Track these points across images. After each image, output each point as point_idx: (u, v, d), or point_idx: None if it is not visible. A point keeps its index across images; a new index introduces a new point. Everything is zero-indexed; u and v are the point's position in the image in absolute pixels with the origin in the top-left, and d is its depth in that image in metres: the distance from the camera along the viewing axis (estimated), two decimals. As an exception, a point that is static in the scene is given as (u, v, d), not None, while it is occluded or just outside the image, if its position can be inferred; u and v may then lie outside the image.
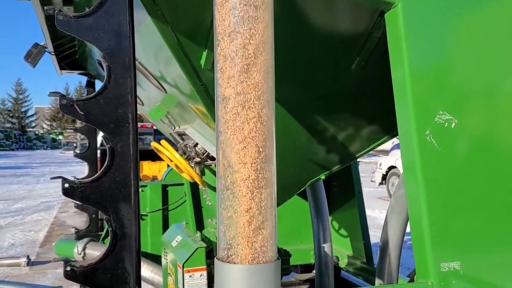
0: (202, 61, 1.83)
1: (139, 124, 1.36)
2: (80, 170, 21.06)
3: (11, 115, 73.68)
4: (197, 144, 2.91)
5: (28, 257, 7.70)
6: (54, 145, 61.38)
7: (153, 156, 8.99)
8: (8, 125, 70.60)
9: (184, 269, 2.67)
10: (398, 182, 2.27)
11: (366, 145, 2.57)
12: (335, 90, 2.23)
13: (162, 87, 2.40)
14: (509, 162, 1.66)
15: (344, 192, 4.00)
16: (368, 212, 4.11)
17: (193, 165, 3.06)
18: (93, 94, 1.29)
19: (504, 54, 1.68)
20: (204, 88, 1.91)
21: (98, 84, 5.51)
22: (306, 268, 4.32)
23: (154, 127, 12.16)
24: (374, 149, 2.66)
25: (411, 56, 1.55)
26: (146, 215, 4.72)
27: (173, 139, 3.28)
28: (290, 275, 4.19)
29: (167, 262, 3.13)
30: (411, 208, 1.62)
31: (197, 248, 2.72)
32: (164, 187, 4.87)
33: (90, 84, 5.56)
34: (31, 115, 77.27)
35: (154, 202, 4.80)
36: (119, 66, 1.29)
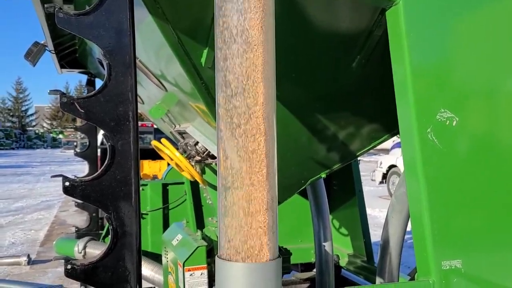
0: (203, 60, 1.82)
1: (139, 123, 1.36)
2: (81, 169, 21.06)
3: (11, 114, 73.71)
4: (197, 142, 2.91)
5: (28, 256, 7.71)
6: (55, 144, 61.40)
7: (154, 155, 9.00)
8: (8, 124, 70.64)
9: (185, 267, 2.67)
10: (399, 181, 2.27)
11: (366, 143, 2.57)
12: (335, 89, 2.23)
13: (163, 85, 2.40)
14: (511, 160, 1.65)
15: (344, 191, 3.99)
16: (368, 211, 4.11)
17: (193, 164, 3.06)
18: (93, 92, 1.28)
19: (505, 52, 1.67)
20: (205, 86, 1.90)
21: (98, 83, 5.51)
22: (307, 266, 4.32)
23: (155, 126, 12.15)
24: (375, 148, 2.66)
25: (412, 54, 1.55)
26: (147, 214, 4.72)
27: (173, 137, 3.28)
28: (290, 273, 4.19)
29: (167, 261, 3.13)
30: (412, 206, 1.61)
31: (197, 247, 2.72)
32: (165, 186, 4.87)
33: (90, 83, 5.55)
34: (31, 114, 77.31)
35: (155, 201, 4.80)
36: (119, 64, 1.29)
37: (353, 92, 2.26)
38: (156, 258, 3.96)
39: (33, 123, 75.83)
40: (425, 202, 1.53)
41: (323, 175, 2.60)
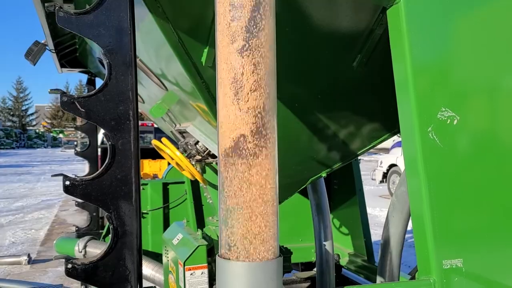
0: (203, 58, 1.82)
1: (139, 122, 1.36)
2: (81, 169, 21.07)
3: (11, 113, 73.70)
4: (198, 142, 2.91)
5: (29, 255, 7.71)
6: (55, 143, 61.39)
7: (154, 154, 9.00)
8: (9, 123, 70.63)
9: (185, 267, 2.67)
10: (400, 180, 2.26)
11: (367, 142, 2.56)
12: (336, 88, 2.23)
13: (163, 84, 2.40)
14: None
15: (345, 190, 3.99)
16: (368, 210, 4.11)
17: (194, 163, 3.06)
18: (94, 91, 1.28)
19: (506, 51, 1.67)
20: (205, 85, 1.90)
21: (99, 82, 5.50)
22: (307, 266, 4.32)
23: (155, 125, 12.16)
24: (375, 147, 2.66)
25: (413, 53, 1.55)
26: (147, 213, 4.72)
27: (174, 137, 3.27)
28: (291, 273, 4.19)
29: (168, 260, 3.13)
30: (413, 205, 1.61)
31: (198, 246, 2.72)
32: (165, 185, 4.87)
33: (91, 82, 5.55)
34: (32, 114, 77.29)
35: (155, 200, 4.79)
36: (120, 63, 1.29)
37: (354, 91, 2.26)
38: (156, 257, 3.96)
39: (34, 123, 75.80)
40: (426, 201, 1.53)
41: (324, 174, 2.60)
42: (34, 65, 3.98)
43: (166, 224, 4.69)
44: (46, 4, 2.56)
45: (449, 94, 1.60)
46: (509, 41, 1.68)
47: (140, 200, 1.31)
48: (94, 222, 5.34)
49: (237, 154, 1.18)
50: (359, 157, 2.94)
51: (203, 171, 3.18)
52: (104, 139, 1.63)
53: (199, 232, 2.94)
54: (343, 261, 4.02)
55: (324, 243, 3.08)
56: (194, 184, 4.54)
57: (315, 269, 3.65)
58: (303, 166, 2.51)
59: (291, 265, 3.97)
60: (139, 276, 1.30)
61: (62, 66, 4.75)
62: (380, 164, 15.74)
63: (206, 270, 2.69)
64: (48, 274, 7.14)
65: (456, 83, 1.63)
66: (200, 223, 4.41)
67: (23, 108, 75.05)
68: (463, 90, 1.63)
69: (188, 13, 1.75)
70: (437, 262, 1.52)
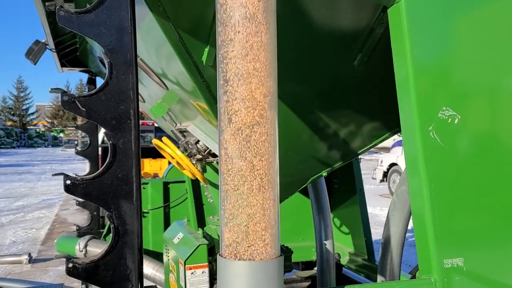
0: (204, 58, 1.82)
1: (140, 121, 1.36)
2: (82, 168, 21.07)
3: (12, 113, 73.71)
4: (198, 141, 2.91)
5: (29, 254, 7.72)
6: (55, 143, 61.39)
7: (155, 154, 9.00)
8: (9, 123, 70.63)
9: (186, 266, 2.67)
10: (400, 179, 2.26)
11: (367, 141, 2.56)
12: (337, 87, 2.23)
13: (164, 84, 2.40)
14: (513, 158, 1.65)
15: (345, 189, 3.99)
16: (369, 209, 4.11)
17: (194, 162, 3.06)
18: (94, 90, 1.28)
19: (508, 50, 1.67)
20: (206, 85, 1.90)
21: (99, 82, 5.50)
22: (308, 265, 4.32)
23: (155, 125, 12.15)
24: (375, 146, 2.66)
25: (414, 52, 1.55)
26: (148, 213, 4.72)
27: (174, 136, 3.27)
28: (292, 272, 4.19)
29: (168, 259, 3.13)
30: (414, 204, 1.61)
31: (198, 245, 2.72)
32: (166, 185, 4.87)
33: (91, 82, 5.54)
34: (32, 113, 77.30)
35: (156, 200, 4.80)
36: (120, 62, 1.29)
37: (355, 90, 2.26)
38: (157, 256, 3.96)
39: (34, 121, 75.79)
40: (427, 200, 1.53)
41: (324, 174, 2.60)
42: (35, 64, 3.98)
43: (166, 223, 4.69)
44: (46, 3, 2.55)
45: (450, 93, 1.60)
46: (510, 40, 1.67)
47: (141, 199, 1.31)
48: (95, 221, 5.34)
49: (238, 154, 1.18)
50: (359, 156, 2.94)
51: (203, 170, 3.18)
52: (105, 138, 1.63)
53: (200, 231, 2.94)
54: (344, 260, 4.02)
55: (324, 242, 3.08)
56: (195, 183, 4.54)
57: (315, 268, 3.65)
58: (303, 165, 2.51)
59: (292, 264, 3.97)
60: (140, 275, 1.30)
61: (62, 65, 4.75)
62: (381, 163, 15.74)
63: (207, 269, 2.69)
64: (49, 273, 7.14)
65: (457, 82, 1.63)
66: (201, 222, 4.42)
67: (24, 107, 75.06)
68: (464, 89, 1.63)
69: (189, 12, 1.75)
70: (438, 261, 1.52)
